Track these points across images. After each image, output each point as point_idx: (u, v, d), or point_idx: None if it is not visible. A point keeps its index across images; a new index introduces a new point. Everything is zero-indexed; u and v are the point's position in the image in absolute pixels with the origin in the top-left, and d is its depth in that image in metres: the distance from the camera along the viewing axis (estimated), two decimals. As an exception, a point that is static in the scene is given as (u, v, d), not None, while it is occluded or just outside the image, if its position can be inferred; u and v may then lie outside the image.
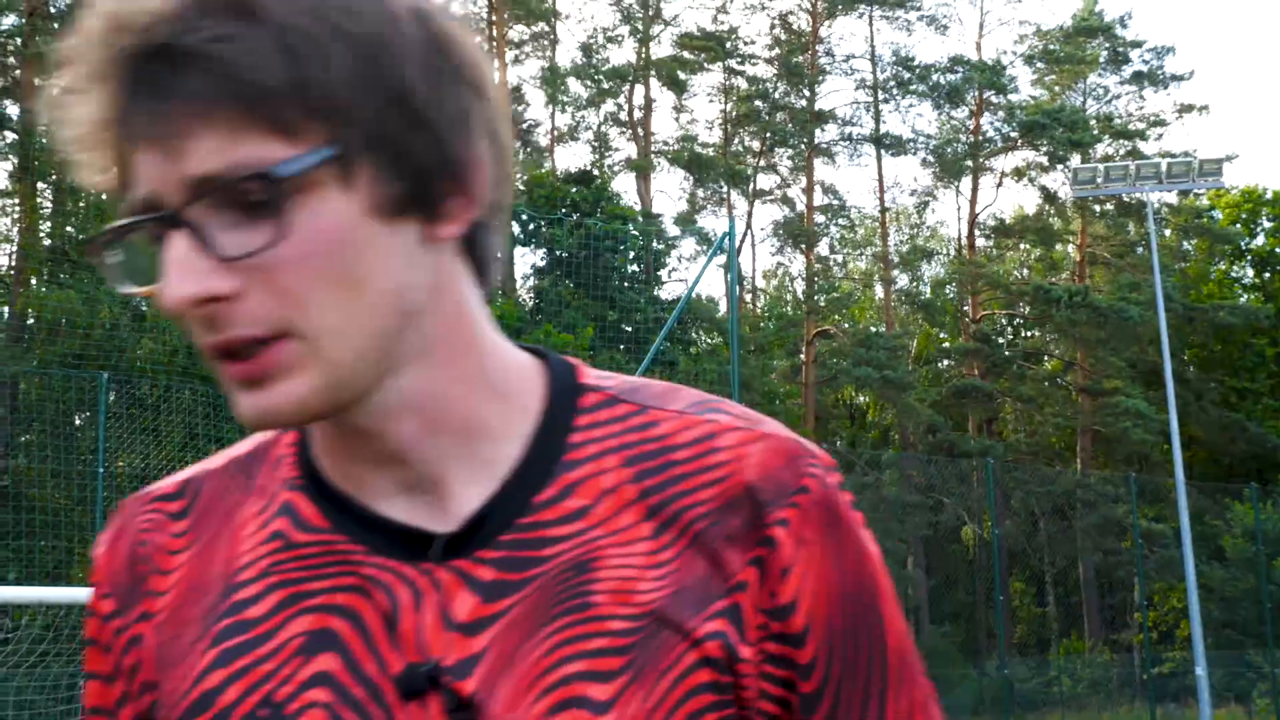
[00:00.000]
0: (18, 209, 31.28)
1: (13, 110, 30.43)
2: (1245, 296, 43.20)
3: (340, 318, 0.85)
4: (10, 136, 30.20)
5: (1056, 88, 45.29)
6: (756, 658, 0.90)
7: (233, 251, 0.82)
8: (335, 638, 0.91)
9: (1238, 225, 44.18)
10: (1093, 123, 43.09)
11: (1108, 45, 43.66)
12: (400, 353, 0.89)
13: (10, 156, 30.12)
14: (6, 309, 28.98)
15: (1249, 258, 44.81)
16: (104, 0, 0.83)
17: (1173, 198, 32.13)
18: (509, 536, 0.91)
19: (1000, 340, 44.09)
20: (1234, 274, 45.25)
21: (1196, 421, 39.51)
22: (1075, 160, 40.76)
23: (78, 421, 22.21)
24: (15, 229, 31.39)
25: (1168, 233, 43.50)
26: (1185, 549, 24.42)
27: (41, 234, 30.58)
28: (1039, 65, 45.18)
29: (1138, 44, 44.11)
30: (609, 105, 45.30)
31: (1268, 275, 44.43)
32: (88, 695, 1.04)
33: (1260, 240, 44.29)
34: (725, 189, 44.40)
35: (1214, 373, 41.50)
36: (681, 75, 43.97)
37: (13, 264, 30.58)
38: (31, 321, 27.13)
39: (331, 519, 0.94)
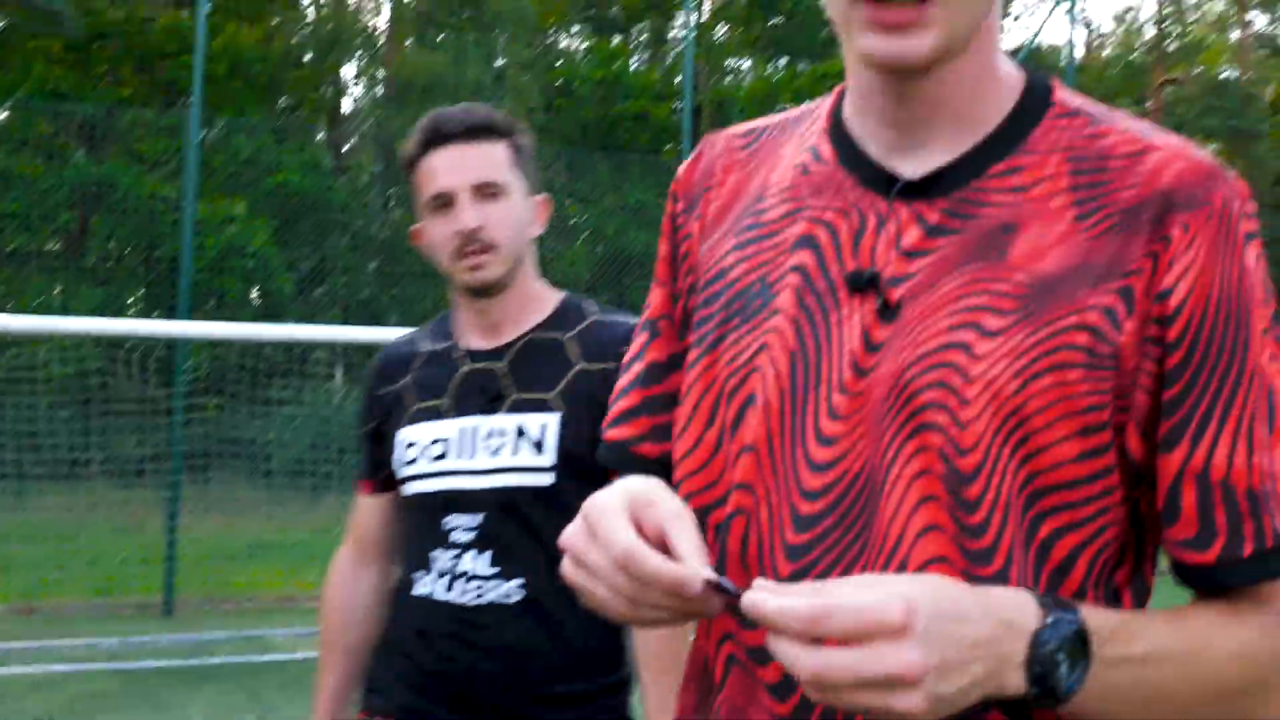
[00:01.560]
0: None
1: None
2: None
3: (969, 7, 1.01)
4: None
5: None
6: (1138, 334, 0.98)
7: None
8: (814, 241, 1.10)
9: None
10: None
11: None
12: (969, 45, 1.04)
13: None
14: (383, 69, 30.47)
15: None
16: None
17: None
18: (959, 193, 1.06)
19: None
20: None
21: None
22: None
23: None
24: None
25: None
26: None
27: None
28: None
29: None
30: None
31: None
32: (656, 265, 1.29)
33: None
34: None
35: None
36: None
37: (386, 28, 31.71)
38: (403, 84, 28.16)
39: (841, 156, 1.13)
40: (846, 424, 1.01)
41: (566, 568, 0.98)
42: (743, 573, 1.05)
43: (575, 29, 31.50)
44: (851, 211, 1.07)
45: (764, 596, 0.84)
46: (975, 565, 0.96)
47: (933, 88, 1.03)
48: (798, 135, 1.18)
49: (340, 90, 30.96)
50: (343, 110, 30.82)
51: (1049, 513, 0.98)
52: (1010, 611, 0.86)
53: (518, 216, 1.99)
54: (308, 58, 28.74)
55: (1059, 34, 36.90)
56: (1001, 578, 0.96)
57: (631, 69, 29.06)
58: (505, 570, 1.89)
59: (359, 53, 30.76)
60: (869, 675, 0.80)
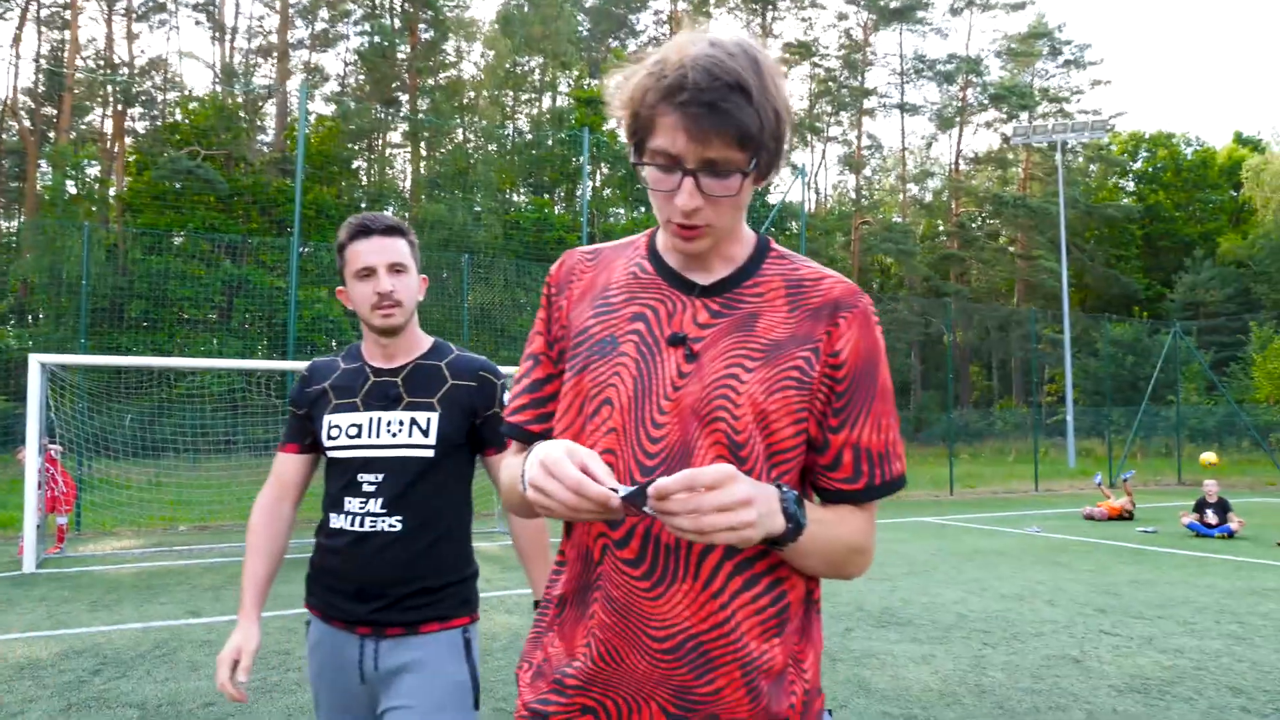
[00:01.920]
0: (411, 159, 35.63)
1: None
2: (1126, 199, 42.67)
3: (730, 221, 1.11)
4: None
5: (1013, 70, 44.17)
6: (820, 372, 1.10)
7: (709, 191, 1.06)
8: (644, 317, 1.14)
9: (1125, 154, 43.68)
10: (1037, 94, 42.69)
11: (1050, 43, 42.99)
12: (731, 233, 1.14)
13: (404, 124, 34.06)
14: (407, 212, 31.12)
15: (1130, 175, 44.34)
16: (689, 64, 1.01)
17: (1086, 137, 33.50)
18: (728, 295, 1.14)
19: (972, 225, 43.76)
20: (1121, 185, 44.42)
21: (1090, 275, 39.91)
22: (1024, 117, 40.88)
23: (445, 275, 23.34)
24: (409, 167, 35.35)
25: (1080, 159, 42.79)
26: (1066, 349, 27.18)
27: (423, 169, 33.46)
28: (1004, 58, 44.25)
29: (1068, 41, 43.78)
30: None
31: (1140, 185, 43.73)
32: (536, 323, 1.27)
33: (1138, 164, 43.89)
34: (810, 138, 44.84)
35: (1102, 246, 41.06)
36: (784, 69, 47.47)
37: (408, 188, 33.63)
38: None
39: (659, 271, 1.17)
40: (669, 418, 1.08)
41: (531, 493, 0.99)
42: None
43: (521, 190, 33.34)
44: (667, 301, 1.14)
45: (664, 479, 0.91)
46: None
47: (708, 250, 1.14)
48: (625, 256, 1.22)
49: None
50: None
51: (777, 465, 1.10)
52: (767, 487, 1.01)
53: (413, 286, 1.93)
54: (363, 204, 30.29)
55: (798, 194, 40.18)
56: None
57: (555, 214, 30.57)
58: (391, 510, 1.85)
59: (393, 202, 32.90)
60: (728, 501, 0.91)
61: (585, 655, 1.12)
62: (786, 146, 1.09)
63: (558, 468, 0.97)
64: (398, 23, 35.01)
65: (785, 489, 1.02)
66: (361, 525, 1.87)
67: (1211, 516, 10.87)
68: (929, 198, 47.07)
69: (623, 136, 1.15)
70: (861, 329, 1.13)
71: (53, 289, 23.03)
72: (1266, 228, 36.82)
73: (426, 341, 2.03)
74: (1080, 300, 40.51)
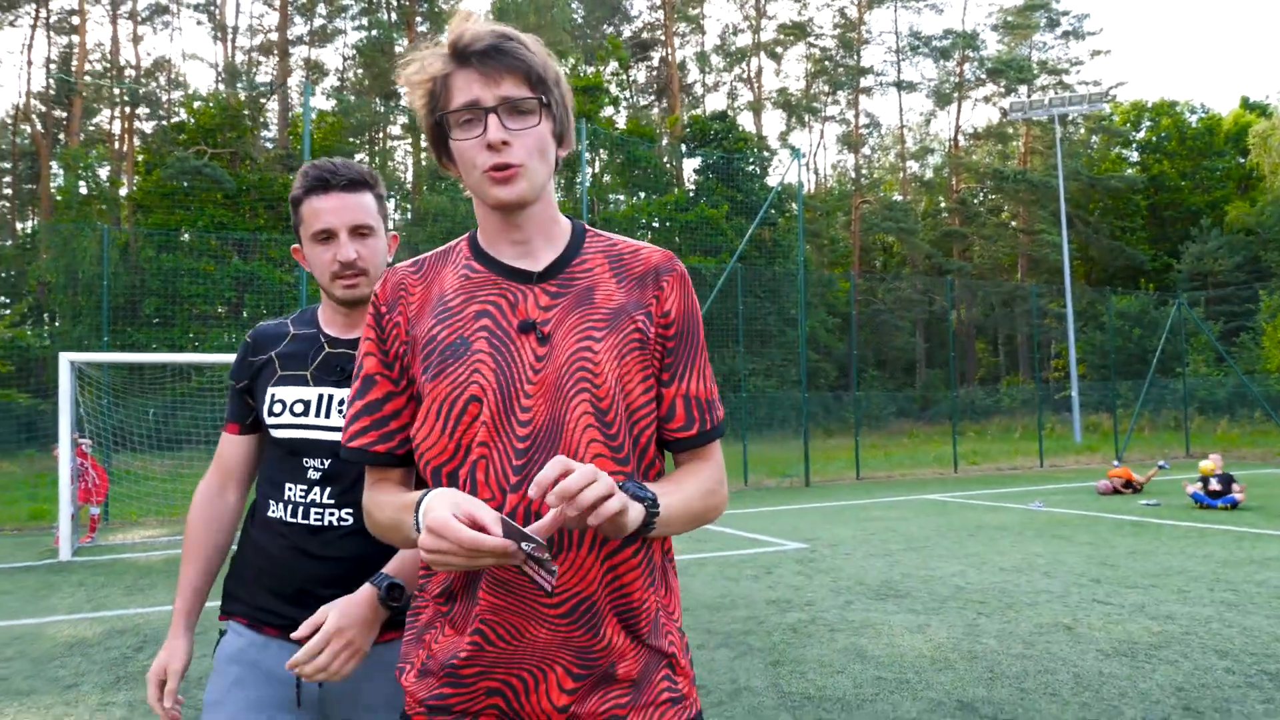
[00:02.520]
0: (412, 151, 35.44)
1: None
2: (1129, 170, 41.80)
3: (539, 167, 1.17)
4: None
5: (1010, 44, 43.49)
6: (655, 333, 1.21)
7: (511, 126, 1.14)
8: (490, 313, 1.18)
9: (1128, 124, 42.90)
10: (1035, 66, 42.12)
11: (1047, 14, 42.32)
12: (542, 194, 1.20)
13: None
14: (409, 204, 32.07)
15: (1133, 145, 43.34)
16: (466, 30, 1.14)
17: (1085, 109, 32.87)
18: (561, 275, 1.21)
19: (974, 201, 43.36)
20: (1124, 155, 43.42)
21: (1094, 247, 39.45)
22: (1023, 90, 41.00)
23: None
24: (409, 160, 34.89)
25: (1082, 131, 42.39)
26: (1069, 324, 26.92)
27: (423, 161, 33.26)
28: (1001, 31, 43.63)
29: (1066, 12, 43.32)
30: (736, 70, 45.12)
31: (1144, 155, 42.92)
32: (364, 344, 1.27)
33: (1142, 134, 42.96)
34: (808, 119, 44.86)
35: (1106, 218, 40.40)
36: (779, 50, 44.16)
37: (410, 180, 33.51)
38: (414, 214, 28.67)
39: (487, 267, 1.22)
40: (534, 400, 1.13)
41: (426, 557, 1.02)
42: (486, 489, 1.13)
43: None
44: (507, 293, 1.19)
45: (540, 522, 1.01)
46: (615, 455, 1.15)
47: (527, 221, 1.20)
48: (450, 263, 1.25)
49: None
50: None
51: (637, 422, 1.19)
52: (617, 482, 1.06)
53: (381, 250, 1.69)
54: None
55: (795, 177, 40.18)
56: (626, 461, 1.17)
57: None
58: (340, 501, 1.62)
59: (395, 195, 32.36)
60: (601, 493, 0.99)
61: (481, 640, 1.15)
62: (571, 116, 1.20)
63: (447, 531, 0.99)
64: (394, 16, 34.95)
65: (621, 483, 1.09)
66: (305, 517, 1.64)
67: (1215, 484, 10.88)
68: (929, 175, 46.78)
69: (424, 129, 1.22)
70: (682, 290, 1.24)
71: (69, 289, 23.25)
72: (1275, 194, 35.81)
73: None
74: (1086, 273, 40.14)
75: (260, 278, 23.82)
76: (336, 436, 1.62)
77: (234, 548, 1.81)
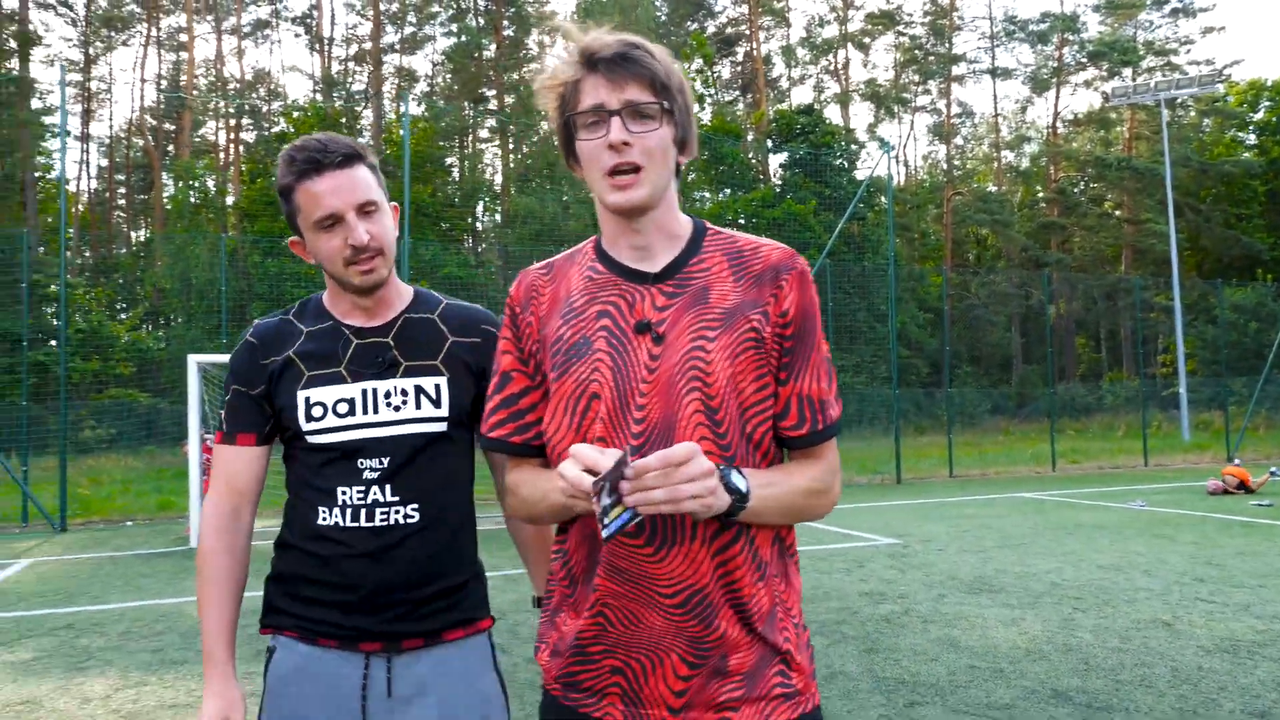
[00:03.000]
0: (500, 154, 35.69)
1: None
2: (1246, 154, 39.47)
3: (659, 170, 1.21)
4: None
5: (1114, 24, 41.70)
6: (772, 331, 1.23)
7: (633, 129, 1.18)
8: (609, 313, 1.24)
9: (1244, 105, 40.37)
10: (1141, 48, 40.26)
11: None
12: (662, 198, 1.24)
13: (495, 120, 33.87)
14: (499, 206, 32.69)
15: (1251, 127, 40.87)
16: (593, 39, 1.21)
17: (1194, 92, 30.91)
18: (678, 276, 1.25)
19: (1074, 191, 41.88)
20: (1240, 138, 40.91)
21: (1206, 236, 37.71)
22: (1127, 73, 39.28)
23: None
24: (499, 162, 35.09)
25: (1192, 114, 40.46)
26: (1177, 317, 26.09)
27: (512, 163, 34.07)
28: (1103, 11, 41.97)
29: None
30: (823, 63, 44.62)
31: (1262, 137, 40.26)
32: (501, 343, 1.35)
33: (1260, 115, 40.36)
34: (897, 110, 44.11)
35: (1219, 205, 38.30)
36: (866, 41, 43.54)
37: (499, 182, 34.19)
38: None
39: (608, 268, 1.28)
40: (648, 398, 1.18)
41: (560, 484, 1.11)
42: None
43: None
44: (626, 294, 1.25)
45: (641, 460, 1.06)
46: (724, 453, 1.19)
47: (648, 223, 1.25)
48: (576, 264, 1.31)
49: (475, 218, 33.40)
50: (478, 229, 33.62)
51: (751, 419, 1.22)
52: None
53: (390, 226, 1.56)
54: (457, 200, 31.38)
55: (884, 169, 38.77)
56: (734, 459, 1.20)
57: None
58: (404, 498, 1.52)
59: (485, 197, 33.64)
60: (695, 473, 1.05)
61: (603, 621, 1.22)
62: (694, 124, 1.26)
63: (568, 474, 1.09)
64: (481, 21, 35.82)
65: (720, 467, 1.14)
66: (369, 519, 1.52)
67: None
68: (1025, 164, 45.46)
69: (556, 131, 1.28)
70: (801, 288, 1.26)
71: (183, 294, 24.68)
72: (1405, 176, 33.56)
73: (407, 290, 1.67)
74: (1197, 264, 38.41)
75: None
76: (392, 431, 1.55)
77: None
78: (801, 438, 1.26)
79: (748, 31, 42.45)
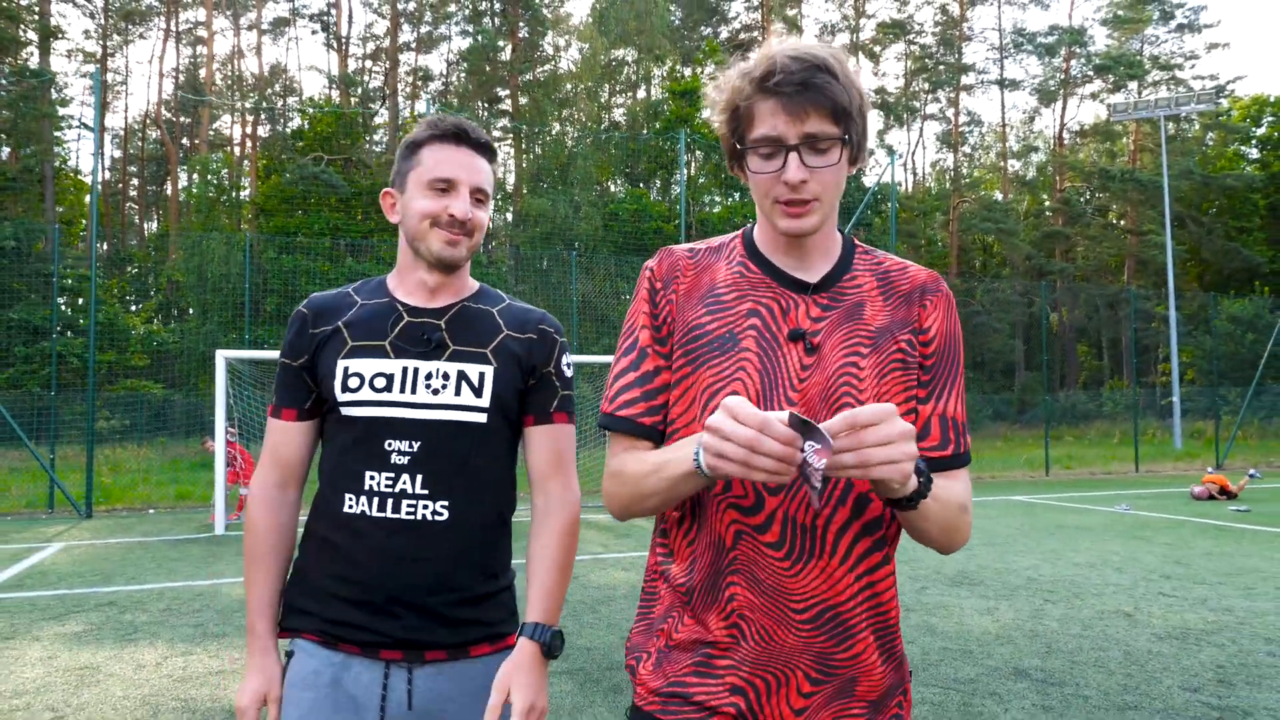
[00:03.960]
0: (514, 154, 35.36)
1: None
2: (1248, 168, 39.42)
3: (832, 200, 1.18)
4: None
5: (1120, 39, 41.67)
6: (916, 350, 1.20)
7: (811, 164, 1.13)
8: (760, 314, 1.20)
9: (1247, 120, 40.34)
10: (1146, 62, 40.36)
11: (1161, 7, 40.55)
12: (831, 218, 1.21)
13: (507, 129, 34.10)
14: (511, 206, 32.65)
15: (1253, 142, 40.83)
16: (775, 55, 1.13)
17: (1193, 109, 31.14)
18: (833, 289, 1.22)
19: (1080, 200, 41.57)
20: (1243, 152, 40.86)
21: (1207, 249, 37.58)
22: (1133, 87, 39.49)
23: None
24: (511, 162, 34.95)
25: (1196, 128, 40.50)
26: (1172, 327, 25.97)
27: (524, 164, 34.06)
28: (1111, 25, 41.96)
29: (1181, 4, 40.79)
30: None
31: (1264, 152, 40.12)
32: (639, 317, 1.27)
33: (1262, 130, 40.31)
34: (906, 118, 43.77)
35: (1221, 218, 38.28)
36: (877, 49, 43.43)
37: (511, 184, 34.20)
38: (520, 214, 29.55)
39: (762, 269, 1.24)
40: (796, 409, 1.13)
41: (707, 439, 0.99)
42: (739, 485, 1.17)
43: (619, 181, 33.67)
44: (780, 298, 1.21)
45: (826, 421, 0.97)
46: None
47: (810, 240, 1.23)
48: (724, 257, 1.27)
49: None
50: (490, 229, 34.24)
51: None
52: None
53: (486, 220, 1.56)
54: None
55: (889, 176, 39.33)
56: None
57: (652, 203, 30.68)
58: (434, 493, 1.45)
59: (497, 196, 34.47)
60: (889, 434, 0.96)
61: (736, 636, 1.17)
62: (871, 133, 1.21)
63: (740, 408, 0.98)
64: (497, 22, 36.14)
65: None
66: (394, 510, 1.46)
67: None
68: (1031, 174, 45.67)
69: (720, 138, 1.24)
70: (946, 311, 1.24)
71: (198, 288, 25.01)
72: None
73: (474, 284, 1.63)
74: (1198, 275, 38.49)
75: (372, 276, 25.18)
76: (425, 415, 1.49)
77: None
78: (945, 459, 1.21)
79: (760, 38, 42.51)
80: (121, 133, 40.42)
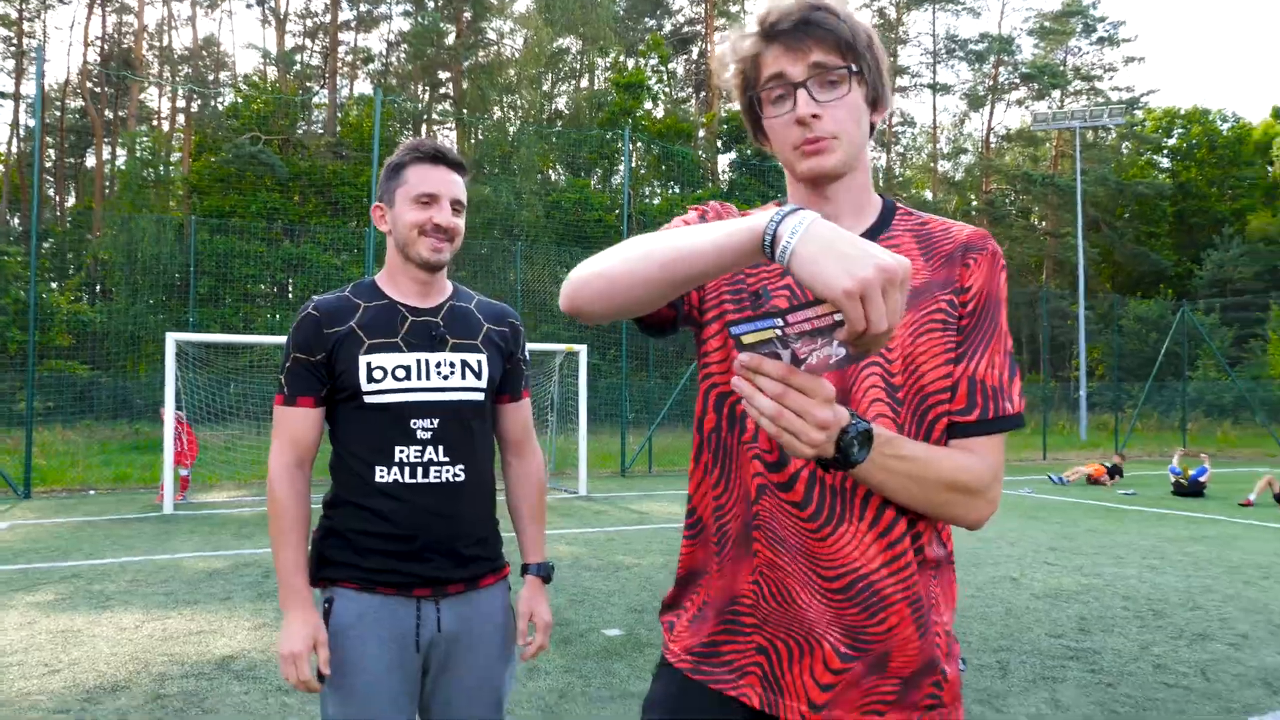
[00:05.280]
0: (457, 139, 34.95)
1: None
2: (1159, 176, 41.63)
3: (853, 137, 1.12)
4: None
5: (1046, 49, 43.30)
6: (956, 310, 1.13)
7: (821, 98, 1.09)
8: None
9: (1159, 131, 42.67)
10: (1069, 72, 42.02)
11: (1084, 20, 42.11)
12: (856, 165, 1.15)
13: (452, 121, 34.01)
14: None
15: (1164, 151, 43.23)
16: (773, 5, 1.11)
17: (1108, 122, 31.24)
18: None
19: (1005, 202, 43.12)
20: (1155, 161, 43.25)
21: (1119, 252, 39.39)
22: (1055, 95, 41.05)
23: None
24: (455, 147, 36.58)
25: (1113, 136, 42.22)
26: (1080, 326, 27.67)
27: (466, 150, 33.33)
28: (1037, 36, 43.50)
29: (1103, 18, 42.65)
30: None
31: (1174, 162, 42.71)
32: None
33: (1173, 140, 42.82)
34: None
35: (1132, 224, 40.28)
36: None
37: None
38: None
39: None
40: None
41: (739, 384, 0.91)
42: (768, 440, 1.13)
43: (560, 171, 33.73)
44: None
45: (767, 361, 0.89)
46: (900, 431, 1.10)
47: (840, 190, 1.17)
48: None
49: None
50: None
51: (926, 400, 1.13)
52: (844, 415, 0.98)
53: (463, 227, 1.80)
54: None
55: None
56: (904, 431, 1.11)
57: (593, 193, 30.66)
58: (454, 458, 1.74)
59: None
60: (807, 409, 0.90)
61: (755, 593, 1.14)
62: (886, 77, 1.17)
63: (765, 364, 0.91)
64: (441, 2, 35.85)
65: (857, 421, 1.00)
66: (425, 475, 1.75)
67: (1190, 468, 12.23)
68: (960, 175, 46.78)
69: (741, 114, 1.24)
70: (990, 269, 1.17)
71: (126, 267, 24.42)
72: (1297, 204, 36.00)
73: (449, 284, 1.92)
74: (1110, 277, 40.23)
75: (309, 260, 24.83)
76: (442, 397, 1.77)
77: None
78: (968, 424, 1.13)
79: (703, 32, 42.99)
80: (36, 102, 38.43)
